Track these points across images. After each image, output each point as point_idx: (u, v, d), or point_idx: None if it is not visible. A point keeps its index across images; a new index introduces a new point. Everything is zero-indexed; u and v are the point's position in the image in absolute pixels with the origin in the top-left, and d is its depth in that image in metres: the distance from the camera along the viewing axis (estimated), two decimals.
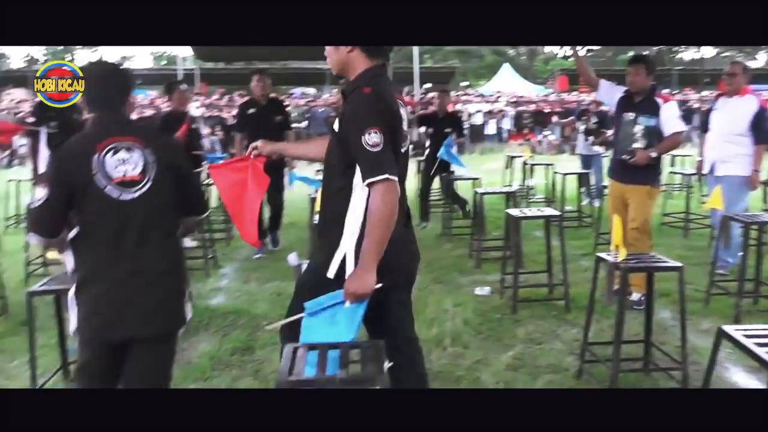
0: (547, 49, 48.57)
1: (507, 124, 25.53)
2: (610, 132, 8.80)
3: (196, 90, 25.78)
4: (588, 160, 10.53)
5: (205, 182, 7.23)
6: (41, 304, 5.72)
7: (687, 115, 21.59)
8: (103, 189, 2.76)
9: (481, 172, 10.02)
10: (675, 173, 10.44)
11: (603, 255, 4.15)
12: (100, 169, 2.76)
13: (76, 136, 2.90)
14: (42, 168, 6.80)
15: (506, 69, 35.61)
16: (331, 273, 2.88)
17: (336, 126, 2.92)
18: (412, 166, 9.43)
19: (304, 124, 23.48)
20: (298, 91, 32.71)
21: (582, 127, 10.57)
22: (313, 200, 6.15)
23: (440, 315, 5.42)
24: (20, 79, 30.53)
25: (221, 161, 4.07)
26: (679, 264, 4.07)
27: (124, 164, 2.80)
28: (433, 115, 9.69)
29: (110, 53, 46.85)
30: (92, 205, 2.79)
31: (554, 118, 24.54)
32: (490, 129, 25.26)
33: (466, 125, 24.63)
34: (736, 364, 4.38)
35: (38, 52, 43.86)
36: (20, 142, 19.05)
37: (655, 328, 4.94)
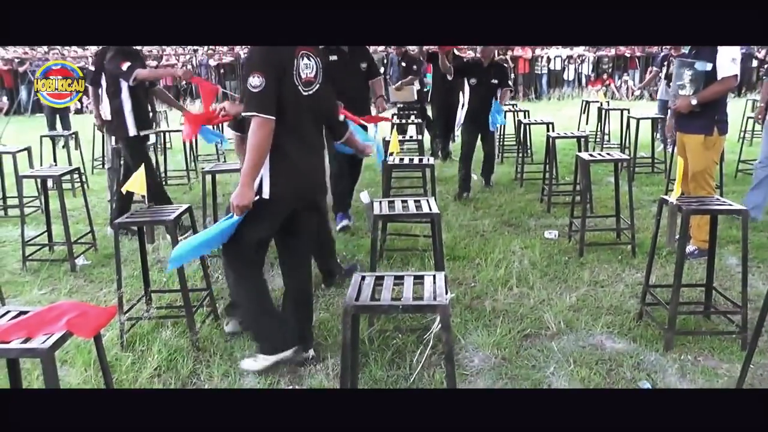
0: None
1: (586, 69, 24.95)
2: None
3: None
4: (667, 105, 10.31)
5: None
6: (124, 241, 6.14)
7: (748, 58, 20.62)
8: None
9: (559, 118, 9.91)
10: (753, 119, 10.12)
11: (665, 197, 4.18)
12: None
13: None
14: (105, 114, 6.90)
15: None
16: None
17: None
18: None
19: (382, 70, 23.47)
20: None
21: (664, 71, 10.34)
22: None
23: (508, 256, 5.55)
24: None
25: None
26: (742, 207, 4.08)
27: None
28: (476, 63, 8.22)
29: None
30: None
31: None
32: (569, 74, 24.76)
33: (544, 70, 24.25)
34: None
35: None
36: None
37: (721, 274, 5.00)
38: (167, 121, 12.82)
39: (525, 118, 9.88)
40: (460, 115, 8.97)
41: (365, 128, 4.93)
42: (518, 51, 23.73)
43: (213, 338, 4.21)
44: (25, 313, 2.59)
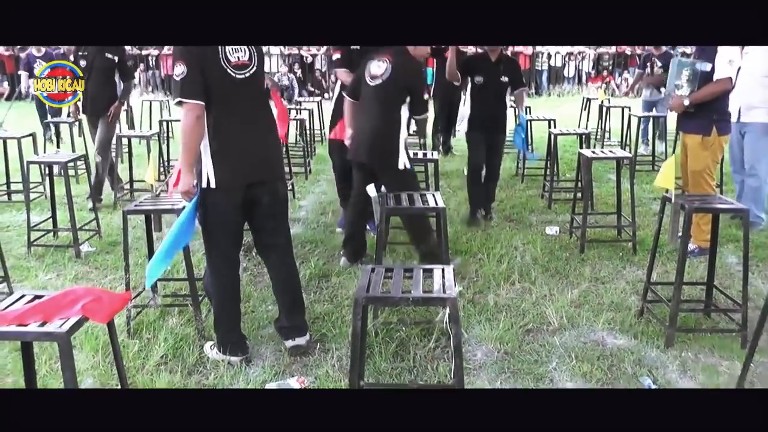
0: None
1: (587, 66, 25.00)
2: None
3: None
4: (652, 107, 10.18)
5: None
6: (129, 228, 6.17)
7: None
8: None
9: (559, 115, 9.93)
10: None
11: (668, 195, 4.22)
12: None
13: None
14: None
15: None
16: None
17: None
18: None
19: None
20: None
21: (647, 72, 10.13)
22: None
23: (509, 252, 5.60)
24: None
25: None
26: (743, 206, 4.13)
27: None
28: (482, 59, 6.65)
29: None
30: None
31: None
32: (570, 71, 24.80)
33: (545, 66, 24.27)
34: None
35: None
36: None
37: (721, 273, 5.05)
38: (169, 110, 12.83)
39: (527, 114, 9.91)
40: (462, 113, 8.23)
41: None
42: (519, 47, 23.75)
43: None
44: (40, 297, 2.63)
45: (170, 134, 10.36)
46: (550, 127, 8.22)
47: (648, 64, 10.13)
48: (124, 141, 8.24)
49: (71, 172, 8.45)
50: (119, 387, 2.93)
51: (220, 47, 3.43)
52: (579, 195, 6.35)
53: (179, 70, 3.38)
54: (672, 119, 6.51)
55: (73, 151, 8.98)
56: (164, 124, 9.86)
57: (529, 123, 8.48)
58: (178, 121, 10.06)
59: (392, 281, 2.86)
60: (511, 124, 7.54)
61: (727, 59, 5.03)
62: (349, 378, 2.92)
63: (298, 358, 3.83)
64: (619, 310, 4.47)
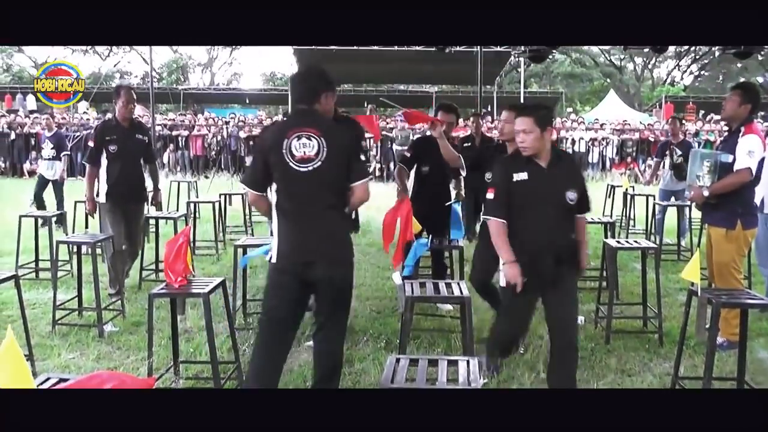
0: (655, 74, 47.25)
1: (610, 152, 25.16)
2: None
3: None
4: (670, 196, 9.86)
5: None
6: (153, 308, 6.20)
7: None
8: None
9: None
10: None
11: (693, 288, 4.19)
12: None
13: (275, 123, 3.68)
14: (100, 196, 6.68)
15: (612, 96, 35.00)
16: None
17: None
18: None
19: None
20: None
21: (667, 162, 9.93)
22: None
23: (533, 340, 5.53)
24: (139, 95, 32.29)
25: None
26: None
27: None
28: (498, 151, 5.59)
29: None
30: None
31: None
32: (594, 156, 24.96)
33: (569, 151, 24.43)
34: None
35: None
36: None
37: (753, 368, 4.94)
38: (197, 191, 13.04)
39: None
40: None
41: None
42: None
43: None
44: (65, 380, 2.64)
45: (197, 215, 10.49)
46: None
47: (666, 152, 9.95)
48: (152, 222, 8.34)
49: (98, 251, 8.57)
50: None
51: (286, 141, 3.63)
52: (604, 284, 6.31)
53: (249, 161, 3.73)
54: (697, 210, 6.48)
55: (86, 228, 9.13)
56: (191, 205, 9.99)
57: None
58: (206, 202, 10.15)
59: (417, 371, 2.83)
60: None
61: (747, 150, 4.98)
62: None
63: None
64: None
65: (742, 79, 21.39)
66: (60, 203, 11.12)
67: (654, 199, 9.96)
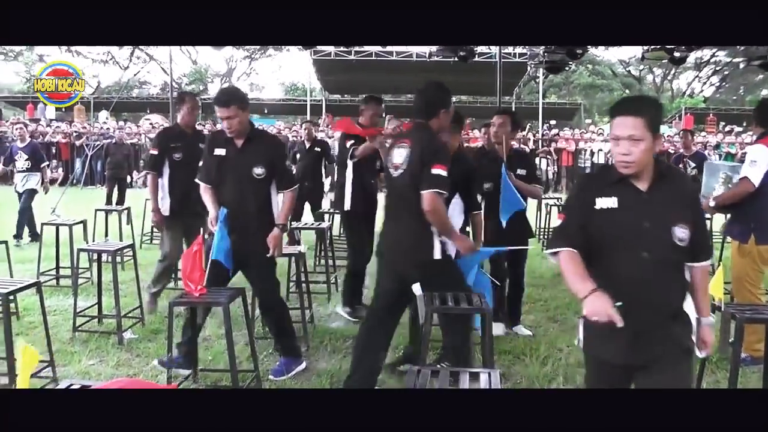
0: (675, 85, 46.98)
1: None
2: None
3: (320, 120, 26.74)
4: None
5: None
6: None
7: None
8: None
9: None
10: None
11: (716, 303, 4.13)
12: None
13: None
14: (163, 207, 6.37)
15: None
16: None
17: None
18: None
19: None
20: None
21: None
22: None
23: (553, 354, 5.49)
24: (158, 104, 32.80)
25: None
26: None
27: None
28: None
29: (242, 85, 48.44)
30: None
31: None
32: None
33: (587, 162, 24.35)
34: None
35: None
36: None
37: None
38: None
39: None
40: None
41: None
42: (561, 143, 23.95)
43: None
44: (86, 387, 2.64)
45: None
46: None
47: (679, 164, 9.77)
48: None
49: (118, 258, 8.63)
50: None
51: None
52: None
53: None
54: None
55: (121, 238, 9.19)
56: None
57: None
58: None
59: (438, 383, 2.82)
60: None
61: (750, 159, 4.93)
62: None
63: None
64: None
65: (764, 91, 21.23)
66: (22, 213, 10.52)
67: None
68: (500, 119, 5.74)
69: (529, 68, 24.59)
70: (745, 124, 26.41)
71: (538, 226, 11.05)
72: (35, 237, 8.22)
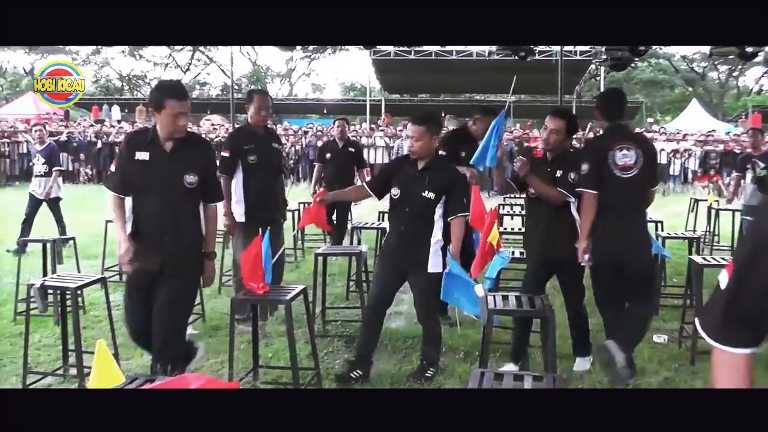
0: (741, 82, 45.70)
1: (693, 164, 24.42)
2: None
3: (380, 120, 26.79)
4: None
5: None
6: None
7: None
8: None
9: (665, 214, 9.66)
10: None
11: None
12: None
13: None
14: (236, 212, 5.99)
15: (694, 105, 33.94)
16: None
17: None
18: None
19: None
20: None
21: (750, 176, 9.38)
22: None
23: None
24: (218, 105, 33.34)
25: None
26: None
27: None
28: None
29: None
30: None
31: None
32: (675, 169, 24.28)
33: None
34: None
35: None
36: None
37: None
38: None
39: None
40: None
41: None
42: None
43: None
44: (151, 381, 2.69)
45: None
46: (657, 229, 8.01)
47: (747, 166, 9.43)
48: None
49: None
50: None
51: (612, 152, 4.70)
52: (689, 302, 6.10)
53: (584, 168, 4.67)
54: None
55: None
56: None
57: None
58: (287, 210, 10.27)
59: (501, 386, 2.79)
60: None
61: None
62: None
63: None
64: None
65: None
66: (59, 222, 10.03)
67: (741, 215, 9.61)
68: (553, 123, 4.94)
69: (592, 66, 24.16)
70: None
71: None
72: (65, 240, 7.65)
